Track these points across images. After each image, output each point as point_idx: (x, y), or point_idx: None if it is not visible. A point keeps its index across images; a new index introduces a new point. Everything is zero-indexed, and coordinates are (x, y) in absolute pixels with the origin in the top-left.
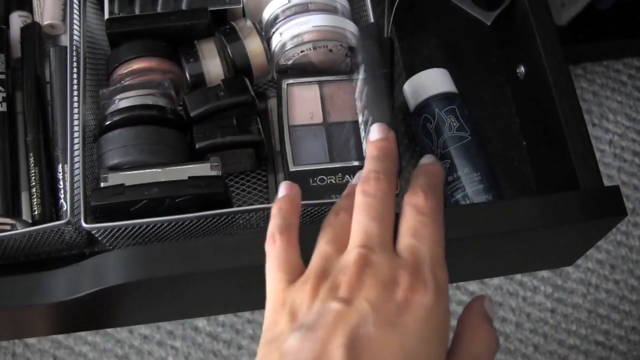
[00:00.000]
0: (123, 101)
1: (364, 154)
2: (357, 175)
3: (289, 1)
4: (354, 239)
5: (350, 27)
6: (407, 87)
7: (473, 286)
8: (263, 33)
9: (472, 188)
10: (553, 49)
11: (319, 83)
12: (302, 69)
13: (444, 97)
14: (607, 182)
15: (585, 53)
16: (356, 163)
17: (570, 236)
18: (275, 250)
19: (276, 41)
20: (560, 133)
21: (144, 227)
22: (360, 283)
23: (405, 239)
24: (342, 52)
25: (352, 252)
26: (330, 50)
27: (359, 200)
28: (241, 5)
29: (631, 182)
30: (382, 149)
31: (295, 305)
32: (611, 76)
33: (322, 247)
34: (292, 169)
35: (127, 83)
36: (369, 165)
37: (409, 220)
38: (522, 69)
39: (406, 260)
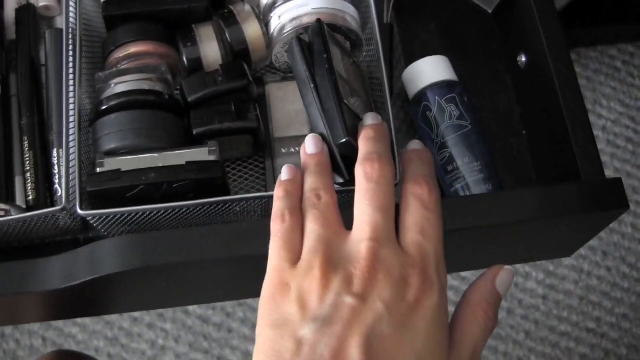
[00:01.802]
0: (119, 86)
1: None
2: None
3: None
4: (361, 229)
5: (350, 9)
6: (407, 74)
7: (466, 272)
8: (261, 17)
9: (472, 178)
10: (555, 37)
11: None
12: None
13: (445, 85)
14: None
15: (579, 38)
16: None
17: (571, 227)
18: (282, 230)
19: (275, 24)
20: (561, 122)
21: (140, 213)
22: (373, 279)
23: (412, 235)
24: (341, 33)
25: (361, 244)
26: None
27: (363, 185)
28: None
29: (624, 169)
30: (378, 131)
31: (303, 291)
32: (605, 62)
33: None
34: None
35: (123, 67)
36: (368, 146)
37: (415, 214)
38: (523, 57)
39: (414, 259)
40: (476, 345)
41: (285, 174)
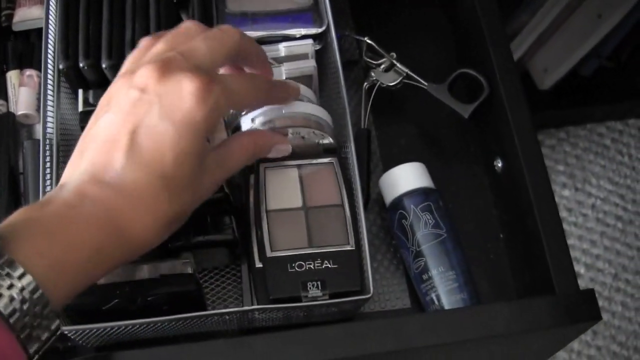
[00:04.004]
0: None
1: (348, 240)
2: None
3: None
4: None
5: (322, 114)
6: (383, 181)
7: None
8: (230, 124)
9: (446, 287)
10: (530, 146)
11: (298, 166)
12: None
13: (420, 193)
14: (589, 247)
15: (568, 117)
16: (337, 248)
17: (546, 338)
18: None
19: (247, 127)
20: (536, 233)
21: (116, 327)
22: (157, 79)
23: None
24: (314, 138)
25: (152, 51)
26: (303, 137)
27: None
28: None
29: (614, 247)
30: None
31: (112, 92)
32: (594, 140)
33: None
34: (269, 254)
35: None
36: None
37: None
38: (499, 162)
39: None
40: (237, 165)
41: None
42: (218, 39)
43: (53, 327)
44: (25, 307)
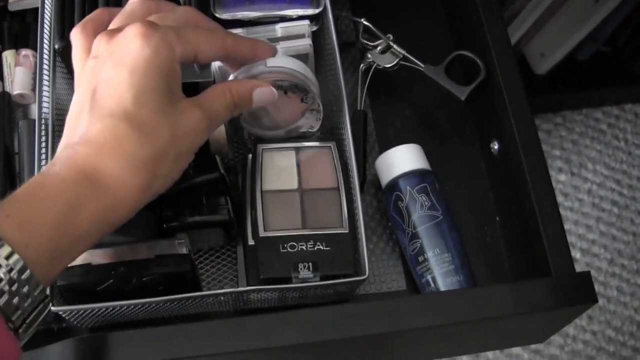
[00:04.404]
0: None
1: (342, 223)
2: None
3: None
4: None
5: (304, 70)
6: (379, 162)
7: None
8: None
9: (442, 269)
10: (527, 129)
11: (296, 149)
12: (261, 124)
13: (416, 175)
14: (585, 232)
15: (564, 102)
16: (330, 231)
17: (542, 320)
18: None
19: None
20: (532, 216)
21: (110, 308)
22: (106, 41)
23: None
24: (297, 96)
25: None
26: (285, 92)
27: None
28: (212, 79)
29: (609, 232)
30: None
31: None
32: (590, 124)
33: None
34: (261, 234)
35: None
36: None
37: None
38: (495, 144)
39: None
40: (217, 111)
41: None
42: (168, 8)
43: (36, 293)
44: None
